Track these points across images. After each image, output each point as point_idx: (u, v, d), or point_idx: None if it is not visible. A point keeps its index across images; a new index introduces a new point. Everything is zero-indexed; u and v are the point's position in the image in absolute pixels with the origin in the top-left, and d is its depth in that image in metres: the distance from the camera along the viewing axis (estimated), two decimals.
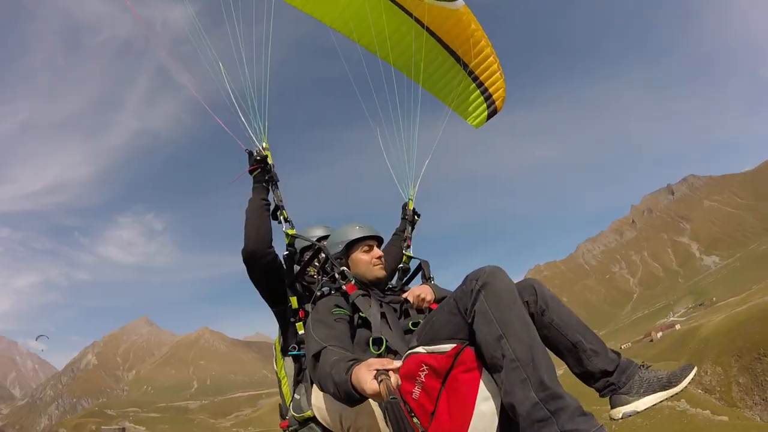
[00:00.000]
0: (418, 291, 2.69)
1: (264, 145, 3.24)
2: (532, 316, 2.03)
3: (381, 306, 2.42)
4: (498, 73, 4.50)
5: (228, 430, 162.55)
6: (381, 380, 1.35)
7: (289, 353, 2.83)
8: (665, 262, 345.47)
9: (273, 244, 2.94)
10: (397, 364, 1.58)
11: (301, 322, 2.76)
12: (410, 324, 2.42)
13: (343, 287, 2.53)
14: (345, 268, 2.70)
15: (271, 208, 3.07)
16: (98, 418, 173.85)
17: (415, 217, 4.04)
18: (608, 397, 2.05)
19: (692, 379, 1.97)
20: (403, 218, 3.98)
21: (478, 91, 4.58)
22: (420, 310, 2.61)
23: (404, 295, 2.68)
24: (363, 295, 2.48)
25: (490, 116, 4.73)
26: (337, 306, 2.39)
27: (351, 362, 1.73)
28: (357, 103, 4.12)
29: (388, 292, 2.78)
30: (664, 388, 1.95)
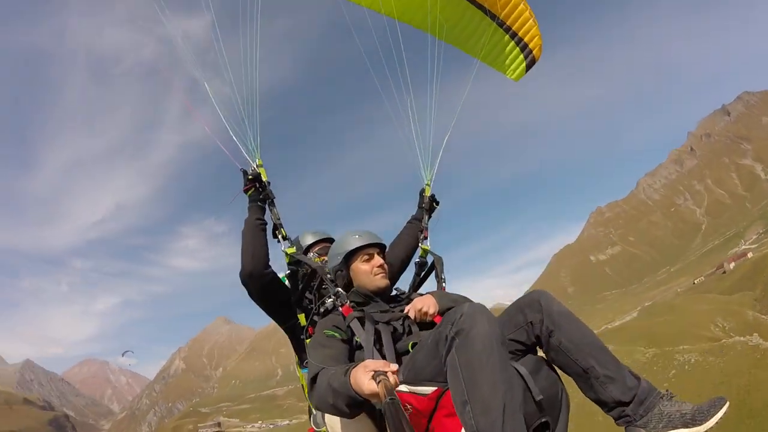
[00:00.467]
0: (419, 304, 2.34)
1: (257, 162, 3.16)
2: (537, 338, 1.91)
3: (376, 326, 2.25)
4: (531, 20, 4.19)
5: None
6: (380, 381, 1.34)
7: (303, 369, 2.82)
8: (730, 187, 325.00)
9: (270, 264, 2.87)
10: (394, 366, 1.54)
11: (309, 339, 2.63)
12: (410, 345, 2.17)
13: (339, 309, 2.43)
14: (339, 289, 2.60)
15: (270, 226, 3.01)
16: (194, 418, 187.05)
17: (434, 204, 3.66)
18: (623, 427, 1.86)
19: (723, 416, 1.68)
20: (420, 206, 3.65)
21: (513, 42, 4.32)
22: (423, 325, 2.33)
23: (406, 309, 2.37)
24: (358, 317, 2.34)
25: (528, 67, 4.47)
26: (335, 326, 2.30)
27: (348, 367, 1.72)
28: (365, 79, 3.91)
29: (394, 303, 2.58)
30: (686, 425, 1.70)
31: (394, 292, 2.78)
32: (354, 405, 1.67)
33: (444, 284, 3.05)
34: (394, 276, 3.17)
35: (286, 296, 2.86)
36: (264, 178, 3.09)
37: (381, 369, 1.46)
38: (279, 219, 3.05)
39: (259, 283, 2.82)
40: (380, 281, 2.61)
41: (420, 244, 3.47)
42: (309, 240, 3.36)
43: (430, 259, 3.32)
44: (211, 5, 3.35)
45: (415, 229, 3.55)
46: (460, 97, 4.04)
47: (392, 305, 2.53)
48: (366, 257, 2.66)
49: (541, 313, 1.90)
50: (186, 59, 3.38)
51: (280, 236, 2.99)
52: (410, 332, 2.29)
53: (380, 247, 2.75)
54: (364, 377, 1.51)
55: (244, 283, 2.82)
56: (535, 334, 1.90)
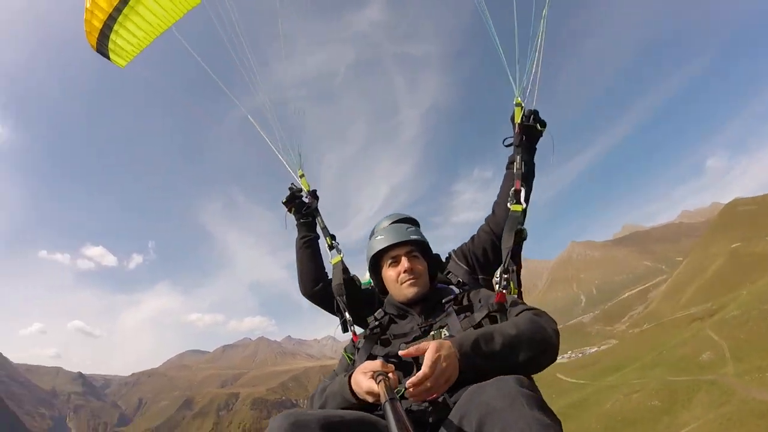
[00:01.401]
0: (420, 377, 1.38)
1: (299, 172, 3.05)
2: None
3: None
4: None
5: (624, 333, 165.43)
6: (380, 381, 1.32)
7: None
8: None
9: (324, 278, 2.69)
10: (392, 367, 1.47)
11: None
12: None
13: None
14: (346, 314, 2.33)
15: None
16: None
17: (536, 128, 2.41)
18: None
19: None
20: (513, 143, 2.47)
21: None
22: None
23: (403, 352, 1.52)
24: (365, 344, 2.02)
25: None
26: (350, 348, 2.13)
27: (348, 372, 1.63)
28: None
29: (432, 317, 1.99)
30: None
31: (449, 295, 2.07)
32: (345, 408, 1.57)
33: (508, 287, 2.10)
34: (483, 267, 2.36)
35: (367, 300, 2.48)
36: (306, 189, 2.97)
37: (381, 370, 1.41)
38: (323, 227, 2.86)
39: (317, 301, 2.66)
40: (407, 290, 2.07)
41: (509, 204, 2.31)
42: (382, 225, 2.82)
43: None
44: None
45: (507, 187, 2.40)
46: None
47: (429, 320, 1.98)
48: (391, 261, 2.15)
49: None
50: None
51: (326, 246, 2.80)
52: (410, 372, 1.69)
53: (411, 245, 2.16)
54: (364, 377, 1.46)
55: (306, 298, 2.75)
56: None
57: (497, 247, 2.27)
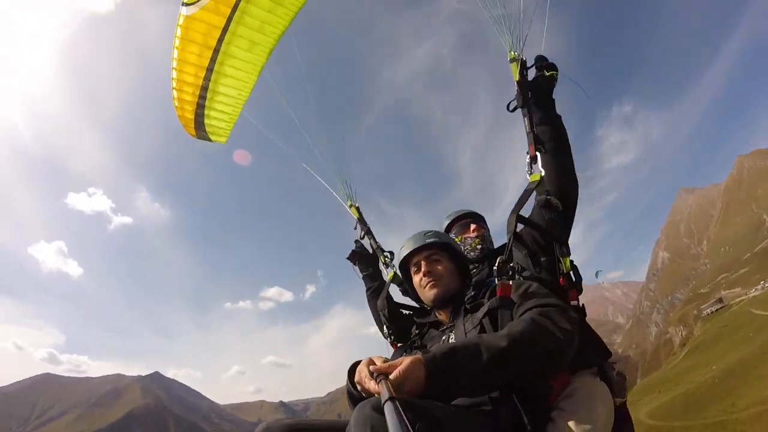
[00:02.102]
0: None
1: (348, 203, 3.31)
2: None
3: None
4: None
5: None
6: (380, 380, 1.31)
7: None
8: None
9: (388, 318, 2.65)
10: (395, 366, 1.35)
11: None
12: None
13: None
14: (385, 326, 2.59)
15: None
16: (696, 302, 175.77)
17: (543, 76, 2.14)
18: None
19: None
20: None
21: None
22: None
23: (373, 369, 1.41)
24: (396, 351, 2.26)
25: None
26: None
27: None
28: None
29: (454, 317, 1.98)
30: None
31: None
32: (354, 399, 1.54)
33: (514, 277, 1.82)
34: (543, 248, 2.10)
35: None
36: (356, 216, 3.28)
37: (383, 370, 1.36)
38: (376, 247, 3.11)
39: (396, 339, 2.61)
40: (428, 293, 2.09)
41: (527, 175, 2.12)
42: (445, 224, 2.77)
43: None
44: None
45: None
46: None
47: (452, 321, 2.00)
48: (415, 269, 2.18)
49: None
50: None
51: (381, 265, 2.94)
52: None
53: (428, 249, 2.14)
54: (365, 374, 1.40)
55: None
56: None
57: (555, 220, 2.05)
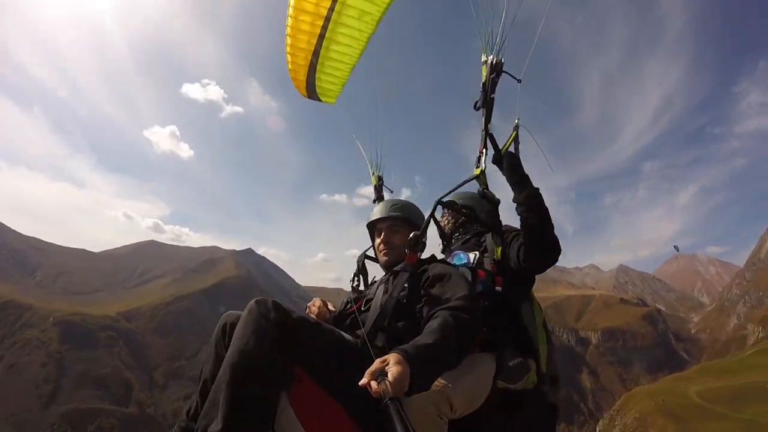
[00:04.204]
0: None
1: (372, 172, 3.63)
2: None
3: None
4: None
5: None
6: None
7: None
8: None
9: None
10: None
11: None
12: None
13: None
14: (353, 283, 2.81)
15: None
16: None
17: (494, 77, 2.45)
18: None
19: None
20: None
21: None
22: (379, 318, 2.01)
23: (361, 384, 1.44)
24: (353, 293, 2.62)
25: None
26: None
27: None
28: None
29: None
30: None
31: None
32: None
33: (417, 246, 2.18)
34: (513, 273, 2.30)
35: None
36: (374, 184, 3.61)
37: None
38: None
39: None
40: (381, 258, 2.47)
41: (475, 167, 2.41)
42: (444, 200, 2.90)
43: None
44: None
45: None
46: None
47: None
48: (377, 233, 2.52)
49: None
50: None
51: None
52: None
53: (394, 219, 2.46)
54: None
55: None
56: None
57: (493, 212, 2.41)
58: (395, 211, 2.46)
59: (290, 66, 3.71)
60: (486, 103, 2.43)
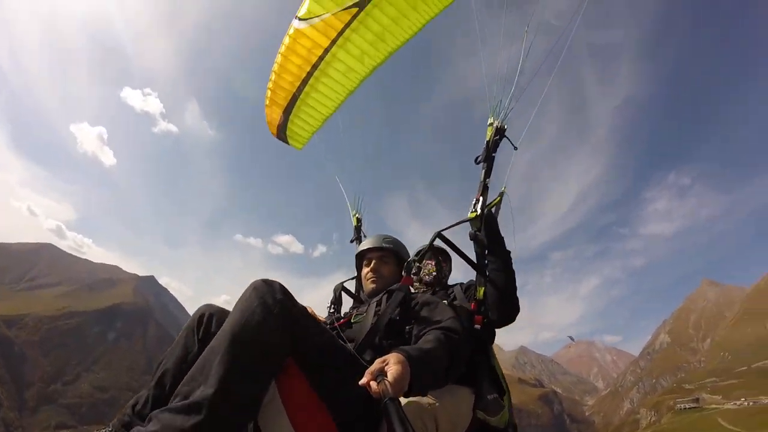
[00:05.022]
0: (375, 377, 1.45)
1: (353, 213, 3.77)
2: None
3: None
4: None
5: None
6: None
7: None
8: None
9: None
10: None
11: None
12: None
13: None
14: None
15: None
16: (676, 394, 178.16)
17: (497, 139, 2.80)
18: None
19: None
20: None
21: None
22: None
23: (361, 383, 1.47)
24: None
25: None
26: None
27: None
28: None
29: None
30: None
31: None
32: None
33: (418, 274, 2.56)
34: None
35: None
36: (354, 225, 3.73)
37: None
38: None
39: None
40: (368, 285, 2.59)
41: (470, 211, 2.67)
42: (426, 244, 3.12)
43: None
44: None
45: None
46: None
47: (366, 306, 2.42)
48: (366, 262, 2.67)
49: None
50: None
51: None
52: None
53: (385, 251, 2.64)
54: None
55: None
56: None
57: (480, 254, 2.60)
58: (387, 243, 2.65)
59: (267, 102, 3.71)
60: (487, 159, 2.78)
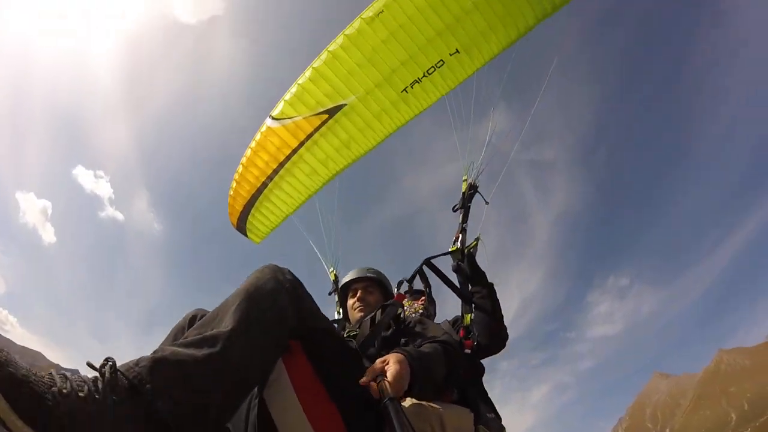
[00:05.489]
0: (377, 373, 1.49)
1: (331, 270, 3.64)
2: None
3: None
4: None
5: None
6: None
7: None
8: None
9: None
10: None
11: None
12: None
13: None
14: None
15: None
16: None
17: (472, 192, 3.11)
18: None
19: None
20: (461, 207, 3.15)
21: None
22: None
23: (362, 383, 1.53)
24: None
25: None
26: None
27: None
28: None
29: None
30: None
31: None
32: None
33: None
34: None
35: None
36: (332, 279, 3.58)
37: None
38: (338, 306, 3.25)
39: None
40: (356, 314, 2.63)
41: (452, 246, 2.88)
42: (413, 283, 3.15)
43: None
44: None
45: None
46: None
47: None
48: (351, 293, 2.77)
49: None
50: None
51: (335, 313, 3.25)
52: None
53: (367, 281, 2.73)
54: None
55: None
56: None
57: (463, 284, 2.75)
58: (371, 273, 2.76)
59: (232, 192, 3.80)
60: (463, 207, 3.08)
